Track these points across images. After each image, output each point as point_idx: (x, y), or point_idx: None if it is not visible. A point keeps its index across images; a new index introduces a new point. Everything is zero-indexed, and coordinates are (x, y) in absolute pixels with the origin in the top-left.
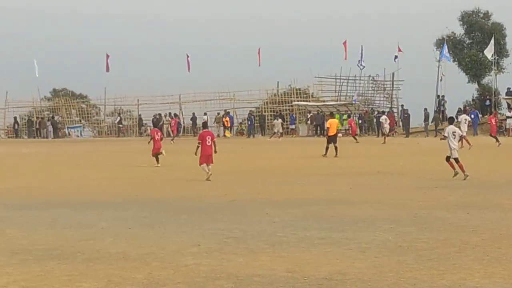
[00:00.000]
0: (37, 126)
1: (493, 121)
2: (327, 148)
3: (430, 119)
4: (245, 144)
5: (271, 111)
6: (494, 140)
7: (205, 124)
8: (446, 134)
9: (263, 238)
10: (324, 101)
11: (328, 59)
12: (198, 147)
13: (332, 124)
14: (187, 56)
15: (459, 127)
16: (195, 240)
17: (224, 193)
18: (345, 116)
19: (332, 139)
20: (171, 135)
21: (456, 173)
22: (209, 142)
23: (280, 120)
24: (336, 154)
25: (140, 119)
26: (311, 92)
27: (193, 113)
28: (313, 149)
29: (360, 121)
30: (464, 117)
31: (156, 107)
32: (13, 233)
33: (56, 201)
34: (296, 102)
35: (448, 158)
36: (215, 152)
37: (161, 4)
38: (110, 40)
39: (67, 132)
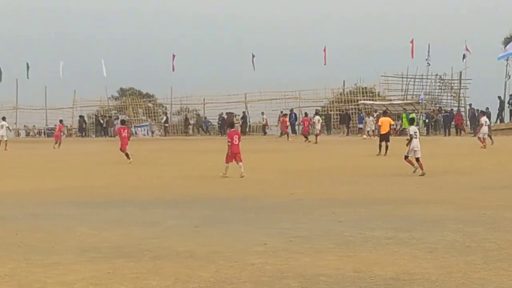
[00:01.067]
0: (105, 125)
1: None
2: (380, 146)
3: (494, 118)
4: (309, 144)
5: (337, 110)
6: None
7: (232, 124)
8: (412, 133)
9: (329, 238)
10: (390, 100)
11: (394, 58)
12: (228, 146)
13: (384, 123)
14: (253, 56)
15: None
16: (261, 239)
17: (290, 192)
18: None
19: (384, 137)
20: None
21: (415, 169)
22: (236, 141)
23: (317, 117)
24: (386, 152)
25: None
26: (377, 91)
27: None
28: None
29: (427, 120)
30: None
31: (221, 106)
32: (82, 230)
33: (123, 200)
34: (362, 101)
35: (406, 157)
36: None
37: (227, 3)
38: (177, 39)
39: (133, 131)
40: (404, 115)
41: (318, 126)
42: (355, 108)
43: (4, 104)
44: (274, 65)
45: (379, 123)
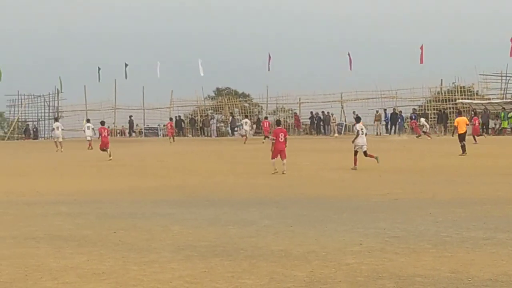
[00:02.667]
0: (201, 125)
1: None
2: (462, 147)
3: None
4: (407, 143)
5: (434, 109)
6: None
7: (278, 122)
8: (358, 129)
9: (425, 238)
10: (489, 99)
11: (493, 56)
12: (273, 143)
13: (460, 123)
14: (349, 55)
15: None
16: (356, 239)
17: (387, 192)
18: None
19: (461, 137)
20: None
21: (378, 160)
22: (281, 139)
23: (423, 120)
24: (464, 152)
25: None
26: (476, 90)
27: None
28: (476, 147)
29: None
30: None
31: (317, 106)
32: (178, 229)
33: (218, 199)
34: (460, 100)
35: (356, 153)
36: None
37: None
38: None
39: (229, 130)
40: (502, 114)
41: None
42: (452, 107)
43: (103, 104)
44: (370, 63)
45: (455, 123)
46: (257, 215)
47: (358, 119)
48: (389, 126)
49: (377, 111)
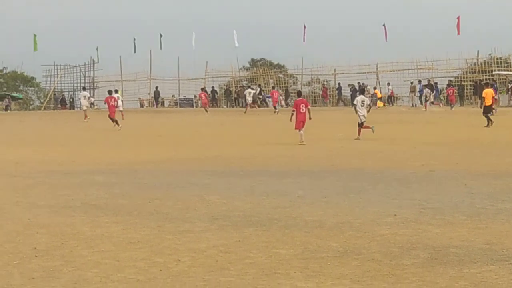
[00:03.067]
0: (236, 96)
1: None
2: (488, 118)
3: None
4: (443, 114)
5: (470, 81)
6: None
7: (299, 93)
8: (355, 103)
9: (460, 209)
10: None
11: None
12: (292, 114)
13: (487, 94)
14: (384, 26)
15: None
16: (391, 210)
17: (422, 164)
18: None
19: (487, 109)
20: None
21: (373, 130)
22: (302, 110)
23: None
24: (489, 124)
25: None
26: None
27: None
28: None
29: None
30: None
31: (352, 77)
32: (213, 199)
33: (253, 169)
34: (497, 72)
35: (359, 125)
36: (310, 118)
37: None
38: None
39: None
40: None
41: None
42: (489, 79)
43: (138, 74)
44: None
45: (483, 95)
46: (291, 186)
47: (362, 91)
48: (422, 98)
49: (411, 83)
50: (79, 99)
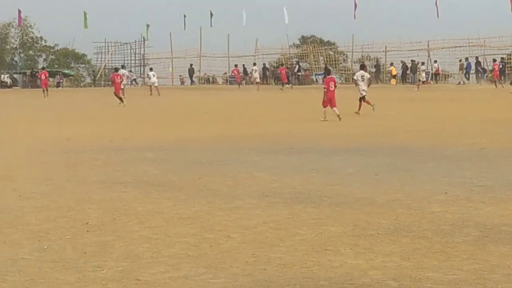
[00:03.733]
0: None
1: None
2: None
3: None
4: (493, 93)
5: None
6: None
7: (328, 71)
8: (355, 78)
9: None
10: None
11: None
12: (324, 92)
13: None
14: (436, 2)
15: None
16: (442, 188)
17: (472, 142)
18: None
19: None
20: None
21: (373, 108)
22: (332, 87)
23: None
24: None
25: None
26: None
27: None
28: None
29: None
30: None
31: (403, 54)
32: (263, 176)
33: (302, 146)
34: None
35: (360, 99)
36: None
37: None
38: None
39: (314, 79)
40: None
41: None
42: None
43: (188, 51)
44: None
45: None
46: (341, 163)
47: (362, 67)
48: (470, 76)
49: (460, 60)
50: (127, 76)
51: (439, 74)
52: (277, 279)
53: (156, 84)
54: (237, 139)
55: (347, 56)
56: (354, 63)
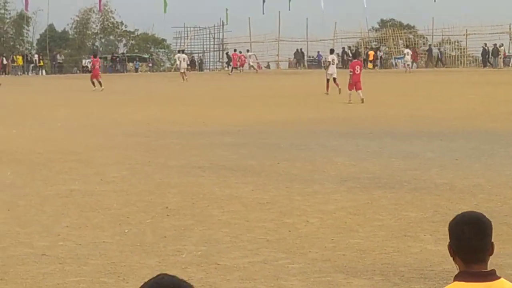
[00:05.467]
0: (364, 57)
1: None
2: None
3: None
4: None
5: None
6: None
7: (355, 55)
8: (330, 60)
9: None
10: None
11: None
12: (350, 75)
13: None
14: None
15: None
16: None
17: None
18: None
19: None
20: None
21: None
22: (357, 71)
23: None
24: None
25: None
26: None
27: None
28: None
29: None
30: None
31: (484, 38)
32: (341, 161)
33: (381, 131)
34: None
35: (327, 81)
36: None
37: None
38: None
39: (393, 62)
40: None
41: None
42: None
43: (266, 36)
44: None
45: None
46: (420, 148)
47: (331, 51)
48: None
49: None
50: (180, 61)
51: (506, 57)
52: (356, 264)
53: (182, 70)
54: (315, 123)
55: (426, 40)
56: (434, 46)
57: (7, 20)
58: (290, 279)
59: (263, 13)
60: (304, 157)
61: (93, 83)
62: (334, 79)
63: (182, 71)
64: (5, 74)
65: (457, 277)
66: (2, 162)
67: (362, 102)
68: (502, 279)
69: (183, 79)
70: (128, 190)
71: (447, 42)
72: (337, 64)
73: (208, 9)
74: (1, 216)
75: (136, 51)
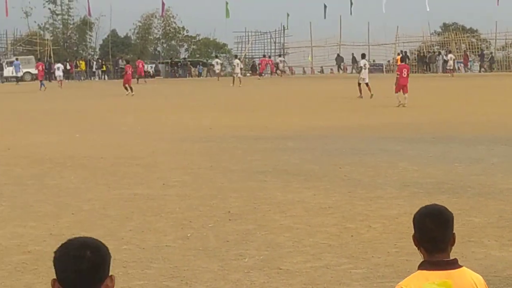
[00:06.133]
0: (427, 61)
1: None
2: None
3: None
4: None
5: None
6: None
7: (403, 58)
8: (361, 64)
9: None
10: None
11: None
12: (397, 78)
13: None
14: None
15: None
16: None
17: None
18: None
19: None
20: None
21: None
22: (405, 74)
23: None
24: None
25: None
26: None
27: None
28: None
29: None
30: None
31: None
32: (404, 165)
33: (445, 136)
34: None
35: (359, 84)
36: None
37: None
38: None
39: (456, 66)
40: None
41: None
42: None
43: (328, 40)
44: None
45: None
46: (485, 153)
47: (363, 56)
48: None
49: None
50: (234, 66)
51: None
52: None
53: (239, 75)
54: (378, 128)
55: (490, 43)
56: (497, 50)
57: (71, 26)
58: (353, 284)
59: (325, 18)
60: (367, 162)
61: (125, 88)
62: (367, 83)
63: (236, 75)
64: (69, 79)
65: (420, 266)
66: (66, 167)
67: (404, 105)
68: (463, 268)
69: (233, 83)
70: (190, 194)
71: (510, 46)
72: (368, 69)
73: (269, 14)
74: (65, 220)
75: (198, 56)
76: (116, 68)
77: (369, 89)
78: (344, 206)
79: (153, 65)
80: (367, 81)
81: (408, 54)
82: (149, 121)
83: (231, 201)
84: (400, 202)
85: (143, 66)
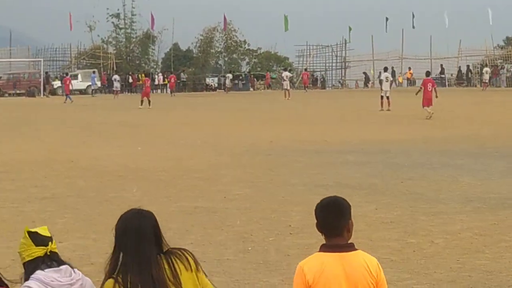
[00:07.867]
0: (490, 75)
1: None
2: None
3: None
4: None
5: None
6: None
7: (428, 73)
8: (382, 78)
9: None
10: None
11: None
12: (419, 90)
13: None
14: None
15: None
16: None
17: None
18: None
19: None
20: None
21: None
22: (429, 88)
23: None
24: None
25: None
26: None
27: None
28: None
29: None
30: None
31: None
32: (467, 180)
33: (509, 150)
34: None
35: (382, 97)
36: (436, 97)
37: None
38: None
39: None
40: None
41: None
42: None
43: (389, 53)
44: None
45: None
46: None
47: (385, 69)
48: None
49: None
50: (283, 79)
51: None
52: (482, 286)
53: (288, 88)
54: (441, 141)
55: None
56: None
57: (133, 39)
58: None
59: (386, 31)
60: (430, 176)
61: (142, 101)
62: (388, 97)
63: (285, 88)
64: (131, 92)
65: (320, 249)
66: (129, 180)
67: (428, 118)
68: (359, 251)
69: (285, 97)
70: (251, 207)
71: None
72: (391, 81)
73: (331, 27)
74: None
75: (259, 69)
76: (178, 81)
77: (388, 103)
78: (406, 220)
79: (217, 79)
80: (388, 94)
81: (471, 67)
82: (209, 134)
83: (292, 215)
84: (463, 217)
85: (175, 80)
